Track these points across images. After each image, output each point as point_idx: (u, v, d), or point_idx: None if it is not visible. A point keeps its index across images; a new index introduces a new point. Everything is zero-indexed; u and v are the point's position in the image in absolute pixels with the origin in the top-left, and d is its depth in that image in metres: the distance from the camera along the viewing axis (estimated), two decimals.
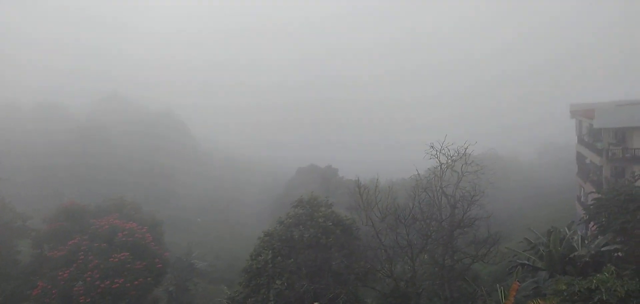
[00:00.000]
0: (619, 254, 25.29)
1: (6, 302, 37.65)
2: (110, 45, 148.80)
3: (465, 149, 28.77)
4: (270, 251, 31.58)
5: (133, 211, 42.75)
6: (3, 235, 41.41)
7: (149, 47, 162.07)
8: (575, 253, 25.16)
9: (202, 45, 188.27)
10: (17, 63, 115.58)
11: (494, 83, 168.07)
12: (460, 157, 28.72)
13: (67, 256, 36.30)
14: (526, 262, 27.31)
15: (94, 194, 56.76)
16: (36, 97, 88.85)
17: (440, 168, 29.22)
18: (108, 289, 33.69)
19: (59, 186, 69.22)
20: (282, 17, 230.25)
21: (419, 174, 30.81)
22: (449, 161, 29.12)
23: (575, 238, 27.72)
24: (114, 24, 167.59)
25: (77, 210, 41.18)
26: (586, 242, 27.05)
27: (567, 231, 28.57)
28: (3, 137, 75.65)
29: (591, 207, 29.62)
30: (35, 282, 36.20)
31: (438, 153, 29.25)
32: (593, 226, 29.84)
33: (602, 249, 25.00)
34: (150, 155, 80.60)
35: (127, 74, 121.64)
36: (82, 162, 75.69)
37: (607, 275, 18.49)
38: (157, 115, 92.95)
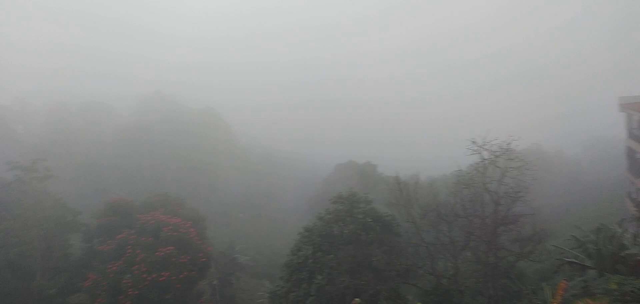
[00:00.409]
0: None
1: (59, 293, 39.59)
2: (150, 52, 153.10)
3: (508, 144, 28.14)
4: (311, 247, 31.90)
5: (177, 207, 43.93)
6: (55, 229, 43.56)
7: (186, 52, 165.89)
8: (627, 251, 24.23)
9: (238, 48, 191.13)
10: (66, 68, 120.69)
11: (530, 75, 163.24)
12: (503, 153, 28.10)
13: (116, 249, 37.75)
14: (574, 260, 26.47)
15: (139, 190, 58.74)
16: (84, 98, 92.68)
17: (483, 164, 28.67)
18: (155, 282, 34.80)
19: (106, 182, 71.93)
20: (314, 19, 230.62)
21: (460, 170, 30.35)
22: (492, 156, 28.53)
23: (627, 235, 26.67)
24: (152, 32, 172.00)
25: (124, 206, 42.73)
26: (638, 240, 26.01)
27: (618, 229, 27.51)
28: (54, 136, 79.24)
29: None
30: (86, 274, 37.88)
31: (480, 148, 28.71)
32: None
33: None
34: (191, 152, 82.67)
35: (167, 76, 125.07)
36: (127, 160, 78.30)
37: None
38: (198, 114, 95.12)
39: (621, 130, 50.86)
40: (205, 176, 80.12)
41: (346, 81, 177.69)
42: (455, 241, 27.88)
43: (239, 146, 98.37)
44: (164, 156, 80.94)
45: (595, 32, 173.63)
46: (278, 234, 62.04)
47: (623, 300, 17.45)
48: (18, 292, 38.90)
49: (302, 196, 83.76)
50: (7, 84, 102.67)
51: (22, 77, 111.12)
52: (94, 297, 35.97)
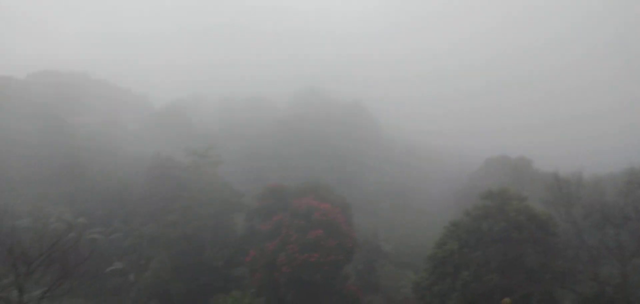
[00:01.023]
0: None
1: (225, 265, 44.93)
2: (302, 50, 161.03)
3: None
4: (457, 242, 31.32)
5: (326, 194, 46.18)
6: (223, 209, 49.36)
7: (335, 48, 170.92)
8: None
9: (380, 41, 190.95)
10: (232, 62, 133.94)
11: None
12: None
13: (272, 230, 41.31)
14: None
15: (292, 177, 63.03)
16: (248, 94, 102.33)
17: None
18: (306, 262, 37.36)
19: (264, 169, 78.70)
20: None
21: (633, 168, 26.98)
22: None
23: None
24: (303, 32, 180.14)
25: (280, 190, 46.37)
26: None
27: None
28: (222, 126, 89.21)
29: None
30: (247, 250, 42.26)
31: None
32: None
33: None
34: (339, 143, 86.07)
35: (318, 72, 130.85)
36: (282, 149, 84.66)
37: None
38: (345, 107, 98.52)
39: None
40: (351, 166, 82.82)
41: (499, 70, 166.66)
42: (625, 246, 24.95)
43: (384, 137, 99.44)
44: (315, 146, 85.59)
45: None
46: (422, 226, 61.48)
47: None
48: (193, 261, 45.07)
49: (447, 189, 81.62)
50: (182, 81, 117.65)
51: (195, 73, 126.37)
52: (253, 271, 40.07)
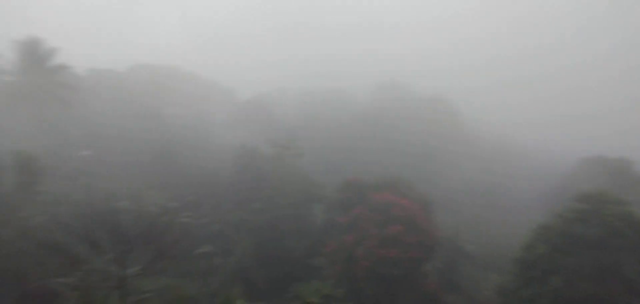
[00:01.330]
0: None
1: (304, 255, 45.99)
2: (378, 45, 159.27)
3: None
4: (546, 245, 29.74)
5: (406, 189, 45.80)
6: (303, 199, 50.59)
7: (412, 40, 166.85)
8: None
9: (460, 27, 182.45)
10: (314, 58, 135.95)
11: None
12: None
13: (351, 223, 41.70)
14: None
15: (370, 171, 62.91)
16: (328, 85, 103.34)
17: None
18: (384, 257, 37.38)
19: (342, 162, 79.20)
20: None
21: None
22: None
23: None
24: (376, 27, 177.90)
25: (359, 184, 46.70)
26: None
27: None
28: (302, 119, 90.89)
29: None
30: (325, 241, 42.98)
31: None
32: None
33: None
34: (420, 138, 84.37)
35: (395, 66, 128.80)
36: (361, 143, 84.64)
37: None
38: (426, 100, 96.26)
39: None
40: (432, 162, 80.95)
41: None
42: None
43: (467, 132, 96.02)
44: (394, 141, 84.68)
45: None
46: (507, 227, 58.82)
47: None
48: (274, 250, 46.63)
49: (534, 189, 77.28)
50: (266, 76, 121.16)
51: (279, 69, 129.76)
52: (332, 263, 40.68)
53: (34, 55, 58.38)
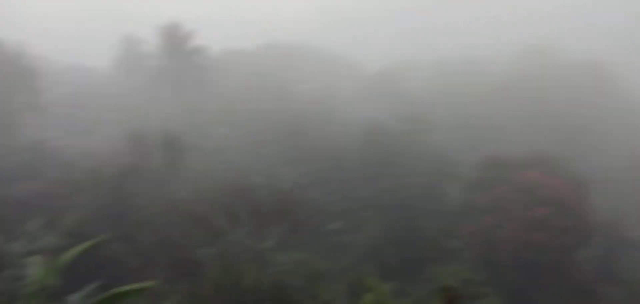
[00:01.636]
0: None
1: (437, 236, 43.49)
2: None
3: None
4: None
5: (556, 168, 40.92)
6: (435, 178, 47.92)
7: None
8: None
9: None
10: (446, 26, 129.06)
11: None
12: None
13: (491, 203, 38.32)
14: None
15: (512, 147, 57.41)
16: (462, 54, 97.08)
17: None
18: (530, 242, 33.78)
19: (478, 137, 73.60)
20: None
21: None
22: None
23: None
24: None
25: (501, 162, 42.74)
26: None
27: None
28: (434, 91, 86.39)
29: None
30: (461, 223, 40.11)
31: None
32: None
33: None
34: (573, 108, 74.91)
35: (544, 27, 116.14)
36: (500, 116, 77.74)
37: None
38: (579, 66, 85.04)
39: None
40: (587, 135, 71.54)
41: None
42: None
43: (630, 101, 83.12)
44: (540, 113, 76.45)
45: None
46: None
47: None
48: (405, 228, 44.84)
49: None
50: (396, 48, 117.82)
51: (410, 39, 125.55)
52: (470, 245, 37.85)
53: (175, 38, 63.26)
